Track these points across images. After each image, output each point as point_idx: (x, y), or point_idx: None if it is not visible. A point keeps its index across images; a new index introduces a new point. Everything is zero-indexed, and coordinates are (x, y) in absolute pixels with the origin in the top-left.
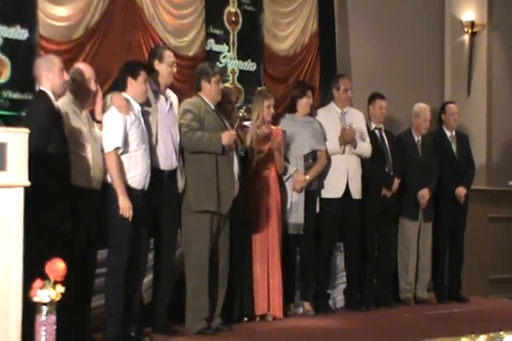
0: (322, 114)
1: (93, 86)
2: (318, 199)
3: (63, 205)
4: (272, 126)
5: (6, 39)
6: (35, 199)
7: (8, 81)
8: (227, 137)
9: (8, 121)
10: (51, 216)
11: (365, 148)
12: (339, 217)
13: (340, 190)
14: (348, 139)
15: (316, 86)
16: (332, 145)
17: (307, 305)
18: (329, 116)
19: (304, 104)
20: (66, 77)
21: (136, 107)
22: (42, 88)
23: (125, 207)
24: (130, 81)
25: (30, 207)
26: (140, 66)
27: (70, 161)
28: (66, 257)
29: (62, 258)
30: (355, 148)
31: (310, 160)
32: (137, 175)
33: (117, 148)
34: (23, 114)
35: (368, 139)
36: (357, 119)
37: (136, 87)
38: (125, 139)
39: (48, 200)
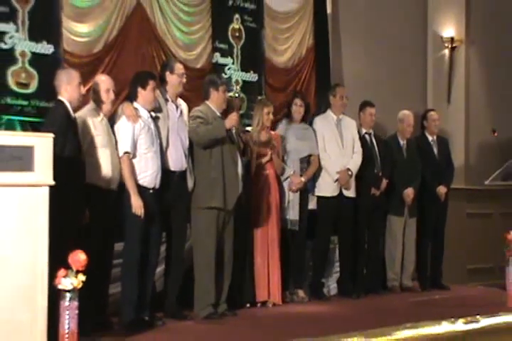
0: (319, 121)
1: (110, 95)
2: (310, 197)
3: (78, 203)
4: (272, 132)
5: (34, 53)
6: (53, 197)
7: (36, 91)
8: (229, 120)
9: (35, 127)
10: (68, 212)
11: (356, 163)
12: (334, 213)
13: (336, 190)
14: (344, 182)
15: (311, 95)
16: (330, 149)
17: (301, 292)
18: (326, 123)
19: (298, 111)
20: (83, 90)
21: (146, 114)
22: (60, 98)
23: (137, 205)
24: (140, 91)
25: (51, 204)
26: (148, 76)
27: (84, 163)
28: (86, 249)
29: (82, 250)
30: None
31: (305, 164)
32: (148, 175)
33: (127, 153)
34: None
35: (359, 149)
36: (351, 127)
37: (145, 96)
38: (134, 144)
39: (65, 198)
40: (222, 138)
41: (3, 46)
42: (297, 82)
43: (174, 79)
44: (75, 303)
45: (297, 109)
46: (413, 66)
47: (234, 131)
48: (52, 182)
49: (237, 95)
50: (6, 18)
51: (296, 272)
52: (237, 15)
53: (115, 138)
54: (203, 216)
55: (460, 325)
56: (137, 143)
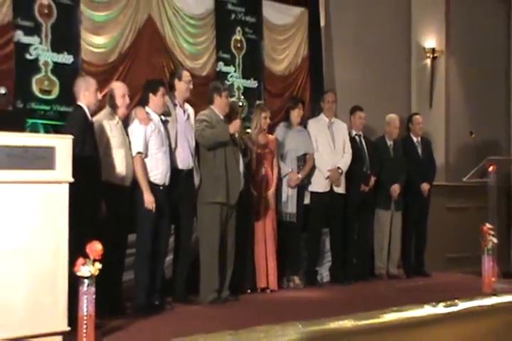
0: (313, 124)
1: (125, 100)
2: (306, 193)
3: (95, 198)
4: (269, 135)
5: (55, 63)
6: (73, 193)
7: (57, 97)
8: (233, 126)
9: (57, 129)
10: (86, 207)
11: (346, 162)
12: (326, 207)
13: (327, 186)
14: (334, 179)
15: (306, 100)
16: (322, 149)
17: (297, 279)
18: (319, 125)
19: (295, 114)
20: (99, 96)
21: (156, 118)
22: (79, 103)
23: (149, 200)
24: (151, 96)
25: (70, 199)
26: (159, 83)
27: (100, 162)
28: (103, 240)
29: (99, 241)
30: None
31: (302, 162)
32: (158, 173)
33: (140, 153)
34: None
35: (349, 149)
36: (342, 129)
37: (156, 101)
38: (146, 145)
39: (83, 194)
40: (226, 141)
41: (29, 57)
42: (293, 89)
43: (182, 86)
44: (93, 289)
45: (300, 112)
46: (398, 74)
47: (236, 135)
48: (72, 180)
49: (240, 104)
50: (31, 32)
51: (292, 261)
52: (238, 28)
53: (129, 139)
54: (208, 210)
55: (441, 309)
56: (149, 144)
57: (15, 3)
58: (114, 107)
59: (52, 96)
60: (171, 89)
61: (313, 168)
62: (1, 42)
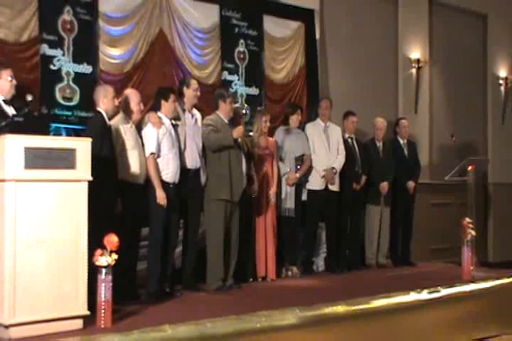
0: (309, 127)
1: (140, 106)
2: (303, 190)
3: (112, 195)
4: (270, 138)
5: (76, 73)
6: (92, 190)
7: (78, 103)
8: (236, 131)
9: (77, 133)
10: (104, 202)
11: (340, 163)
12: (321, 203)
13: (323, 184)
14: (329, 178)
15: (303, 106)
16: (318, 151)
17: (294, 268)
18: (315, 129)
19: (294, 119)
20: (116, 102)
21: (167, 122)
22: (98, 109)
23: (161, 196)
24: (163, 103)
25: (89, 196)
26: (170, 91)
27: (116, 162)
28: (119, 232)
29: (116, 234)
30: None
31: (299, 162)
32: (169, 172)
33: (152, 154)
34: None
35: (343, 151)
36: (336, 132)
37: (167, 107)
38: (158, 146)
39: (101, 191)
40: (230, 145)
41: (53, 67)
42: (291, 95)
43: (190, 93)
44: (110, 277)
45: (298, 117)
46: (387, 82)
47: (240, 140)
48: (91, 178)
49: (244, 112)
50: (55, 45)
51: (290, 252)
52: (241, 40)
53: (142, 141)
54: (214, 206)
55: (424, 295)
56: (161, 146)
57: (41, 19)
58: (128, 112)
59: (74, 103)
60: (180, 96)
61: (310, 167)
62: (29, 54)
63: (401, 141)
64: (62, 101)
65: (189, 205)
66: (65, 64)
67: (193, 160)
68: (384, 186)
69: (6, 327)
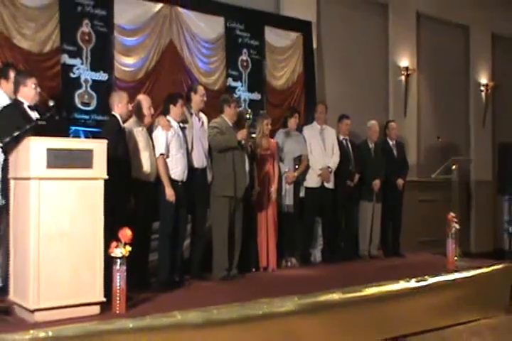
0: (307, 130)
1: (151, 110)
2: (301, 188)
3: (125, 192)
4: (271, 140)
5: (94, 80)
6: (107, 187)
7: (95, 108)
8: (240, 134)
9: (94, 135)
10: (118, 199)
11: (335, 162)
12: (318, 200)
13: (319, 182)
14: (325, 177)
15: (301, 110)
16: (315, 151)
17: (293, 259)
18: (312, 131)
19: (292, 122)
20: (130, 107)
21: (176, 125)
22: (113, 113)
23: (170, 194)
24: (172, 107)
25: (105, 193)
26: (178, 96)
27: (130, 162)
28: (132, 226)
29: (129, 227)
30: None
31: (298, 162)
32: (177, 171)
33: (162, 154)
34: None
35: (337, 151)
36: (331, 134)
37: (175, 111)
38: (167, 147)
39: (115, 188)
40: (234, 147)
41: (72, 75)
42: (291, 100)
43: (197, 98)
44: (124, 267)
45: (296, 120)
46: (378, 88)
47: (243, 142)
48: (106, 177)
49: (247, 116)
50: (74, 55)
51: (289, 244)
52: (245, 50)
53: (152, 143)
54: (219, 202)
55: (413, 283)
56: (170, 147)
57: (62, 32)
58: (140, 116)
59: (91, 108)
60: (188, 101)
61: (307, 167)
62: (51, 64)
63: (390, 142)
64: (80, 106)
65: (196, 201)
66: (83, 72)
67: (199, 160)
68: (376, 183)
69: (32, 311)
